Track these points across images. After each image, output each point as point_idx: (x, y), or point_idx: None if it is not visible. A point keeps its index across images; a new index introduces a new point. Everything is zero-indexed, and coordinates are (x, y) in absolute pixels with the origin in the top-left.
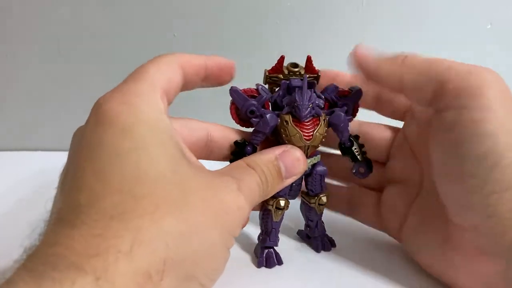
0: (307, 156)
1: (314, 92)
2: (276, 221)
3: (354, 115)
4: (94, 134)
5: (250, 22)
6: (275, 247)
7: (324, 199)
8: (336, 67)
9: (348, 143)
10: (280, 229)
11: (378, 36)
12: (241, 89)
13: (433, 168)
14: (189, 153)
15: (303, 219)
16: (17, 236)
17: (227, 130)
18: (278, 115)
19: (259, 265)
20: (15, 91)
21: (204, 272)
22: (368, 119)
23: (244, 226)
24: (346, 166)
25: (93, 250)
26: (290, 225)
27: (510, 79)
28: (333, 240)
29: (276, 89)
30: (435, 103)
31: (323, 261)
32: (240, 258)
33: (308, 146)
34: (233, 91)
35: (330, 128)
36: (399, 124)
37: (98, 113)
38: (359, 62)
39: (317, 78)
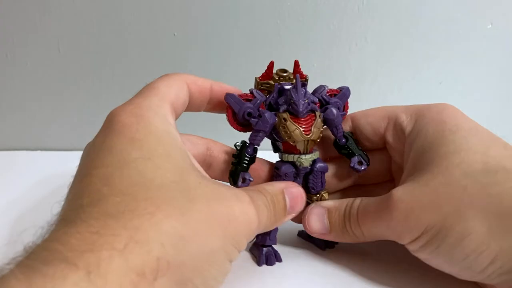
0: (307, 152)
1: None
2: None
3: (345, 112)
4: (104, 144)
5: (250, 22)
6: (273, 246)
7: (326, 196)
8: (336, 67)
9: (343, 140)
10: (280, 229)
11: (378, 36)
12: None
13: None
14: (198, 165)
15: None
16: (18, 236)
17: (225, 146)
18: (275, 114)
19: (260, 263)
20: (15, 91)
21: (202, 280)
22: None
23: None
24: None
25: (87, 246)
26: (291, 225)
27: (510, 79)
28: None
29: (267, 96)
30: None
31: (323, 260)
32: (240, 257)
33: (308, 141)
34: (229, 96)
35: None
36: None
37: (110, 124)
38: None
39: (305, 82)
